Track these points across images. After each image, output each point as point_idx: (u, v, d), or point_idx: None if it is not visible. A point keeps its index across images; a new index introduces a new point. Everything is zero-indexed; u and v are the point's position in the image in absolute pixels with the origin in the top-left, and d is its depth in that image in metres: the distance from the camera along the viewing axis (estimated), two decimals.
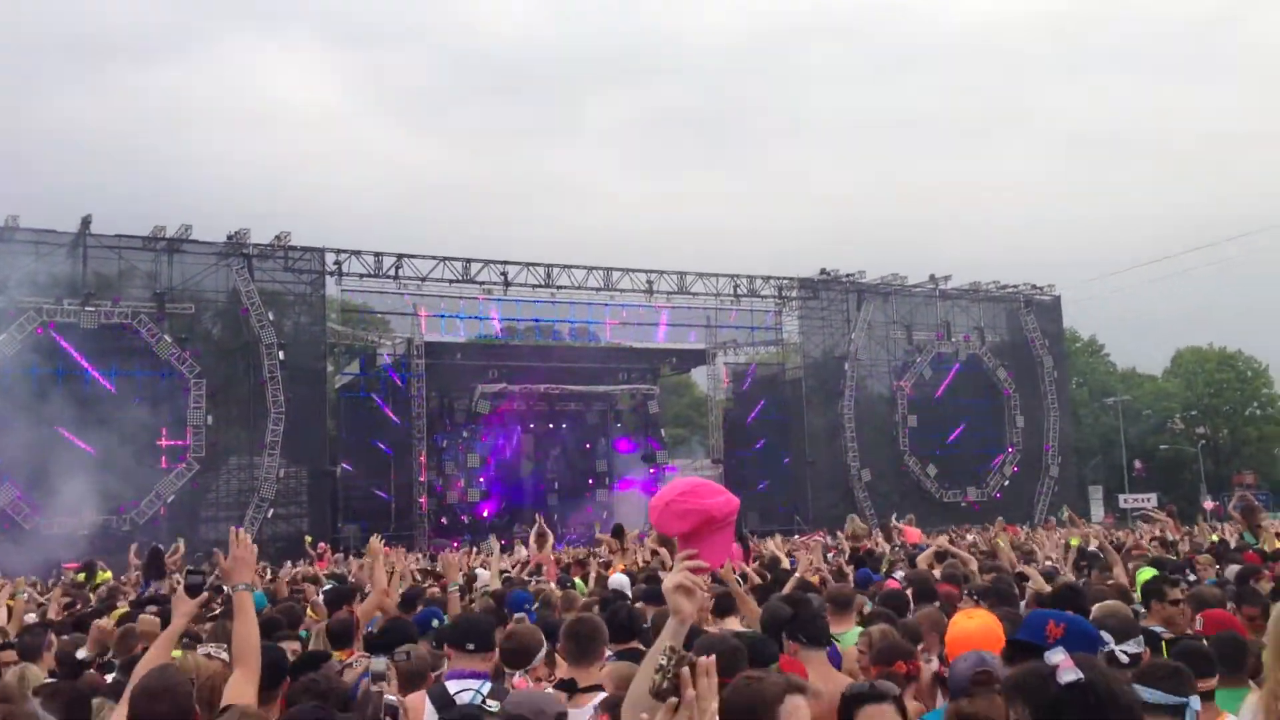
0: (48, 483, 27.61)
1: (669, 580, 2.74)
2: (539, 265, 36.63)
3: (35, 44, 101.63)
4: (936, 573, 10.19)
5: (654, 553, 13.13)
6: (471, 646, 5.03)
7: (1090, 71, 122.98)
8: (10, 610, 9.74)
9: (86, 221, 30.07)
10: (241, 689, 4.23)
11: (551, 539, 14.52)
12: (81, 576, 16.14)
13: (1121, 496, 50.02)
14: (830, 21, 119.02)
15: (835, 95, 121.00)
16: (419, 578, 13.34)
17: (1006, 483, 42.82)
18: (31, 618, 10.12)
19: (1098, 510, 46.73)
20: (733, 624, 6.93)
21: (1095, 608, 5.52)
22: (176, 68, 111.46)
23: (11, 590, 11.56)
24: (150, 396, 30.70)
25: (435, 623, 7.02)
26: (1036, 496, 43.01)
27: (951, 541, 17.16)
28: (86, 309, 29.35)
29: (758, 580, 9.15)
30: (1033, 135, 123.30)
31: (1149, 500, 46.00)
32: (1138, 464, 53.68)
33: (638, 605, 7.16)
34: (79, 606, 11.32)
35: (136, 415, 30.07)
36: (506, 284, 35.90)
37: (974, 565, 9.88)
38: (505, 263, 35.98)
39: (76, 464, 27.63)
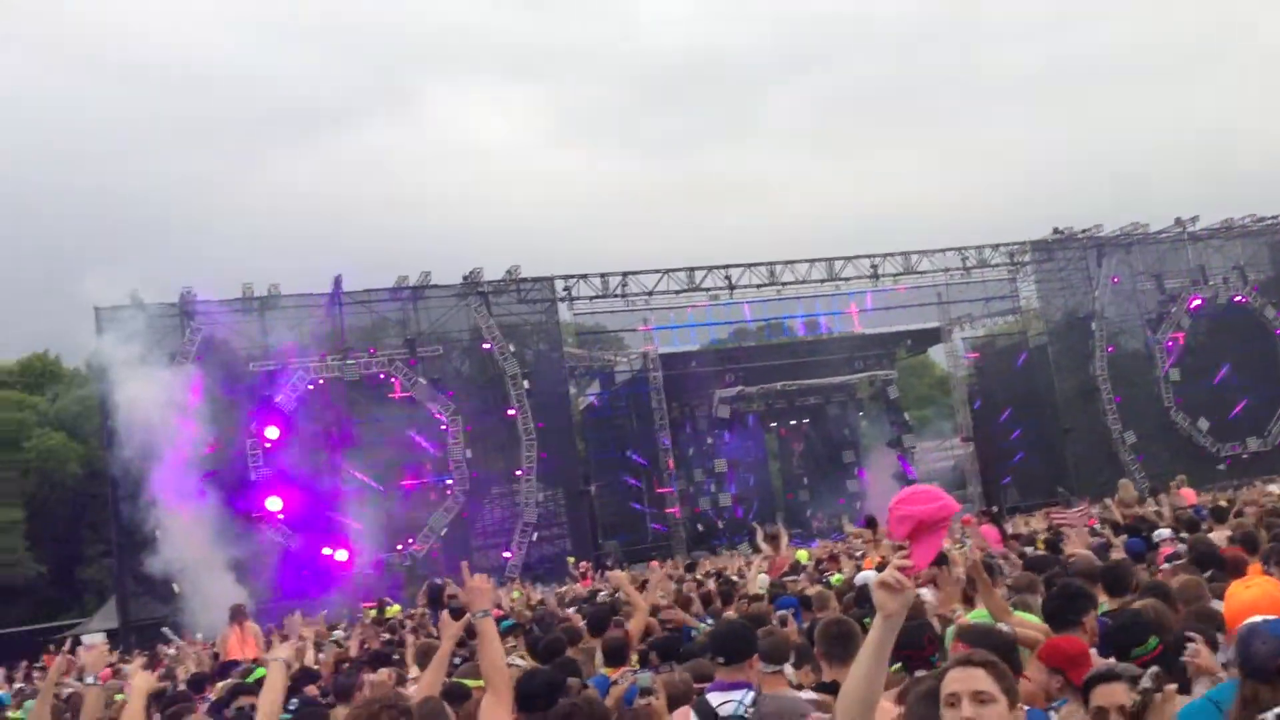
0: (331, 528, 29.86)
1: (876, 579, 2.80)
2: (761, 264, 36.67)
3: (239, 123, 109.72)
4: (1223, 535, 9.65)
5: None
6: (722, 660, 5.13)
7: None
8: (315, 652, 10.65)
9: (338, 281, 32.27)
10: (494, 712, 4.56)
11: (785, 537, 14.59)
12: (374, 613, 17.33)
13: None
14: None
15: (1021, 52, 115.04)
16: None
17: None
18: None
19: None
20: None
21: None
22: (382, 126, 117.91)
23: (313, 630, 12.63)
24: (413, 438, 32.68)
25: (693, 633, 7.27)
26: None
27: (1232, 501, 16.10)
28: (348, 362, 31.52)
29: (1018, 561, 8.91)
30: (1259, 62, 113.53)
31: None
32: None
33: None
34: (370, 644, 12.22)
35: (403, 457, 32.10)
36: (731, 288, 36.12)
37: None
38: (728, 266, 36.22)
39: (357, 507, 29.74)
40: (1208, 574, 7.11)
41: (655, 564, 20.01)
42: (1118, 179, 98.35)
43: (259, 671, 8.78)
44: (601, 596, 13.57)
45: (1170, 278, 39.89)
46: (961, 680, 2.86)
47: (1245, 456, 37.89)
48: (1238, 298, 40.30)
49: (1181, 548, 9.18)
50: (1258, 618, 3.76)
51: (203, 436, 28.43)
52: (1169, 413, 38.41)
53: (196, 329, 30.21)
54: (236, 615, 13.12)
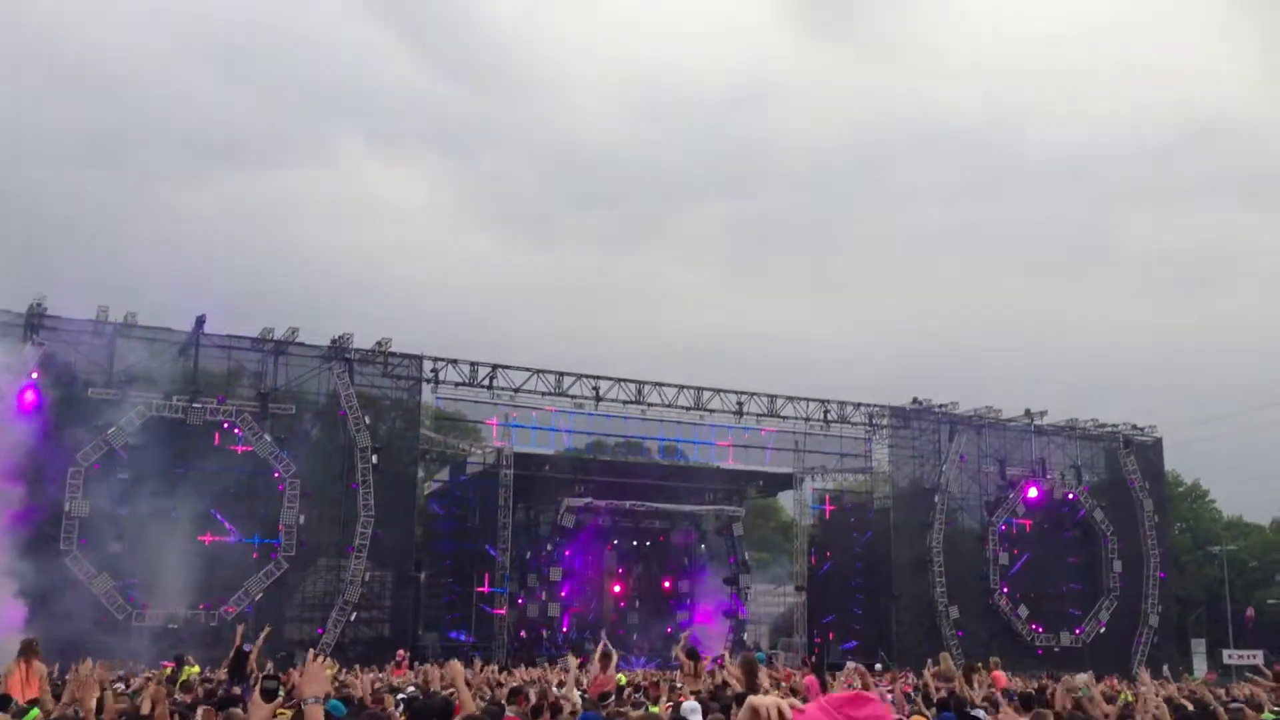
0: (144, 574, 28.39)
1: (753, 701, 2.72)
2: (630, 381, 37.05)
3: (143, 142, 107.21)
4: None
5: (724, 683, 12.95)
6: None
7: (1186, 201, 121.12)
8: (100, 703, 10.01)
9: (200, 321, 31.35)
10: None
11: (615, 659, 14.44)
12: (169, 671, 16.45)
13: (1226, 651, 47.67)
14: (918, 138, 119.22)
15: (927, 214, 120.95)
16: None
17: (1102, 629, 41.24)
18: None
19: (1200, 665, 44.59)
20: None
21: None
22: (281, 169, 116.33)
23: (101, 678, 11.88)
24: (246, 494, 31.55)
25: None
26: (1135, 646, 41.28)
27: (1044, 689, 16.60)
28: (194, 405, 30.43)
29: None
30: (1135, 264, 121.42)
31: (1255, 657, 43.82)
32: (1249, 611, 51.18)
33: None
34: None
35: (233, 511, 30.89)
36: (598, 399, 36.31)
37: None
38: (597, 377, 36.47)
39: (171, 556, 28.37)
40: None
41: (481, 666, 19.50)
42: (983, 357, 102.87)
43: (33, 713, 8.21)
44: (411, 690, 13.13)
45: (1013, 465, 41.71)
46: None
47: (1056, 649, 39.25)
48: (1071, 495, 42.26)
49: None
50: None
51: (21, 453, 26.88)
52: (992, 595, 39.71)
53: (39, 343, 28.84)
54: (26, 650, 12.23)
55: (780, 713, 2.67)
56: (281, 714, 5.90)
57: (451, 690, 8.57)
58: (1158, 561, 42.86)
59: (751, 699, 2.77)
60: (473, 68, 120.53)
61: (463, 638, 35.30)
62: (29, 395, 27.77)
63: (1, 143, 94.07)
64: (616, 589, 41.43)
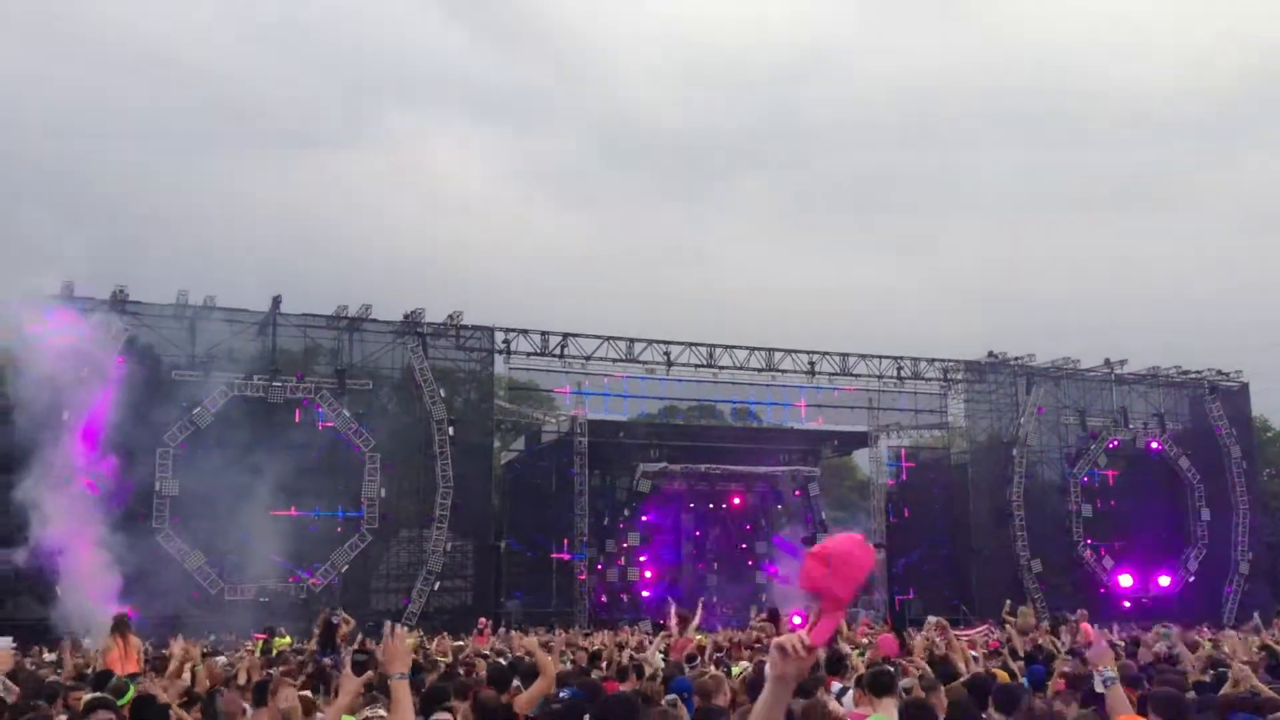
0: (233, 549, 29.16)
1: (774, 641, 2.87)
2: (701, 345, 36.97)
3: (214, 128, 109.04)
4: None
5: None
6: None
7: (1271, 142, 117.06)
8: (194, 674, 10.33)
9: (277, 301, 31.91)
10: None
11: (694, 621, 14.51)
12: (261, 644, 16.91)
13: None
14: (983, 89, 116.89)
15: (995, 168, 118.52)
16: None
17: (1191, 579, 40.48)
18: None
19: None
20: (889, 705, 6.82)
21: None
22: (347, 151, 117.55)
23: (196, 652, 12.27)
24: (329, 469, 32.17)
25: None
26: (1224, 595, 40.46)
27: (1136, 641, 16.38)
28: (274, 384, 31.06)
29: (915, 674, 8.93)
30: (1214, 210, 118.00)
31: None
32: None
33: None
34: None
35: (315, 487, 31.54)
36: (669, 364, 36.31)
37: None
38: (668, 342, 36.46)
39: (259, 532, 29.09)
40: (1091, 708, 7.20)
41: (561, 632, 19.79)
42: (1061, 308, 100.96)
43: (130, 692, 8.48)
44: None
45: (1093, 416, 40.95)
46: None
47: (1145, 600, 38.61)
48: (1154, 444, 41.39)
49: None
50: None
51: (112, 435, 27.73)
52: (1076, 546, 39.13)
53: (124, 329, 29.61)
54: (119, 626, 12.67)
55: (802, 641, 2.75)
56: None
57: (532, 656, 8.70)
58: (1247, 508, 41.86)
59: (773, 641, 2.85)
60: (523, 39, 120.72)
61: (544, 604, 35.74)
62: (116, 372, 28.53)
63: (73, 130, 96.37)
64: (694, 552, 41.57)
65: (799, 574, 2.97)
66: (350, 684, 5.19)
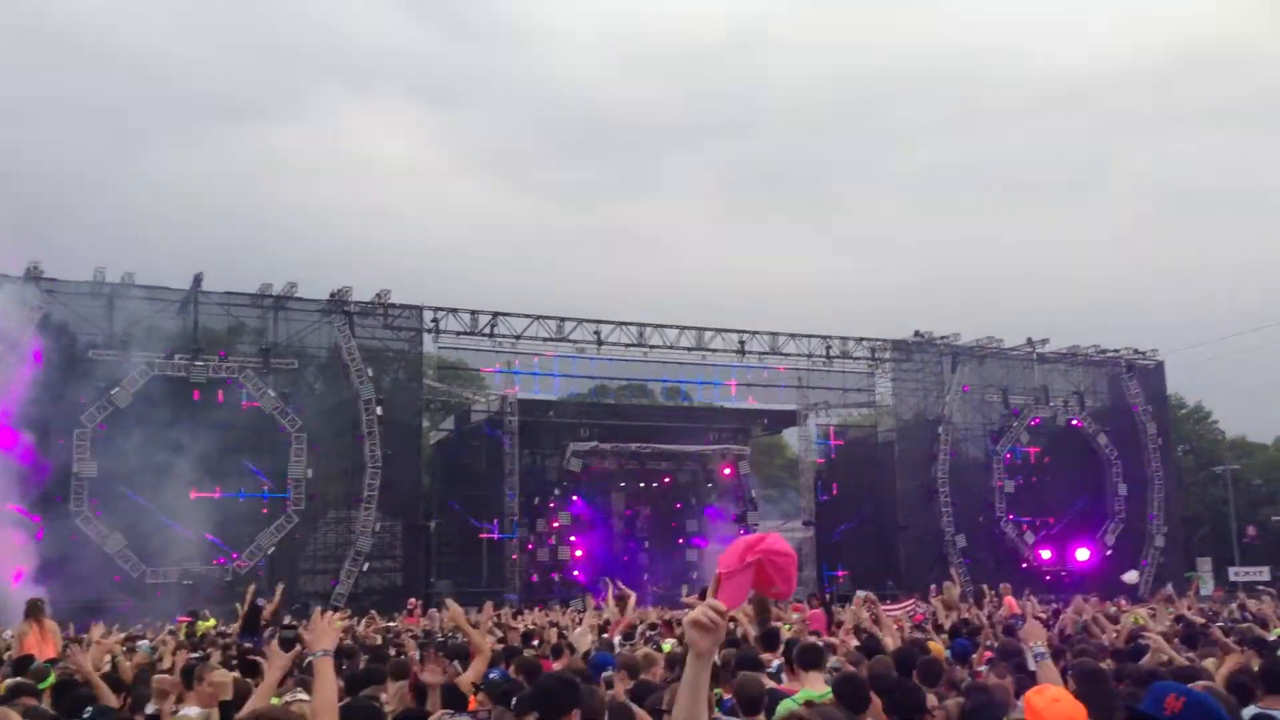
0: (155, 532, 28.56)
1: (687, 617, 2.89)
2: (631, 324, 36.97)
3: (136, 104, 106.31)
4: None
5: (732, 618, 13.04)
6: (539, 714, 5.05)
7: (1190, 126, 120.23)
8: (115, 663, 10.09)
9: (198, 279, 31.25)
10: None
11: (633, 599, 14.53)
12: (184, 628, 16.62)
13: (1232, 569, 48.11)
14: (912, 74, 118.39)
15: (922, 151, 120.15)
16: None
17: (1109, 552, 41.57)
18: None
19: (1207, 584, 44.97)
20: (816, 678, 6.89)
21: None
22: (271, 125, 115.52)
23: (115, 639, 12.00)
24: (253, 449, 31.64)
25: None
26: (1141, 568, 41.60)
27: (1056, 614, 16.75)
28: (196, 363, 30.44)
29: (842, 654, 9.03)
30: (1133, 192, 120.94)
31: (1261, 573, 44.22)
32: (1250, 529, 51.55)
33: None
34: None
35: (240, 468, 31.01)
36: (600, 343, 36.26)
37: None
38: (598, 321, 36.40)
39: (182, 514, 28.55)
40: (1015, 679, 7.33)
41: (488, 605, 19.67)
42: (985, 289, 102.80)
43: (50, 678, 8.26)
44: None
45: (1015, 394, 41.77)
46: None
47: (1063, 574, 39.56)
48: (1074, 421, 42.37)
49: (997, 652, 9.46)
50: None
51: (26, 414, 27.00)
52: (999, 522, 39.96)
53: (39, 306, 28.76)
54: (34, 611, 12.33)
55: (715, 609, 2.77)
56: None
57: (461, 631, 8.63)
58: (1162, 483, 43.09)
59: (686, 617, 2.87)
60: (456, 17, 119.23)
61: (475, 584, 35.60)
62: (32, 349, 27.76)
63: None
64: (625, 531, 41.70)
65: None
66: (278, 660, 5.13)
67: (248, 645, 12.36)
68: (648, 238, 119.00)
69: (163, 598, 27.15)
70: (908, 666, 7.79)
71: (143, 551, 28.61)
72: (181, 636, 15.97)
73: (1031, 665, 6.12)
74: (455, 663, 8.31)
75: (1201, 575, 44.76)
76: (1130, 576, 32.30)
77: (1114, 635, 11.57)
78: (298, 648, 5.13)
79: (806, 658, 7.13)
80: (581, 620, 14.07)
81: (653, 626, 14.88)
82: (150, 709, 6.87)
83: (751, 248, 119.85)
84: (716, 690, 6.66)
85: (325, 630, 4.95)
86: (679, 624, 14.67)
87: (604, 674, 7.50)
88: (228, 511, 30.04)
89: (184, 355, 30.40)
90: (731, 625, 12.74)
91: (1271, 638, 10.09)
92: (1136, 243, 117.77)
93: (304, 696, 6.33)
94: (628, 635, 12.44)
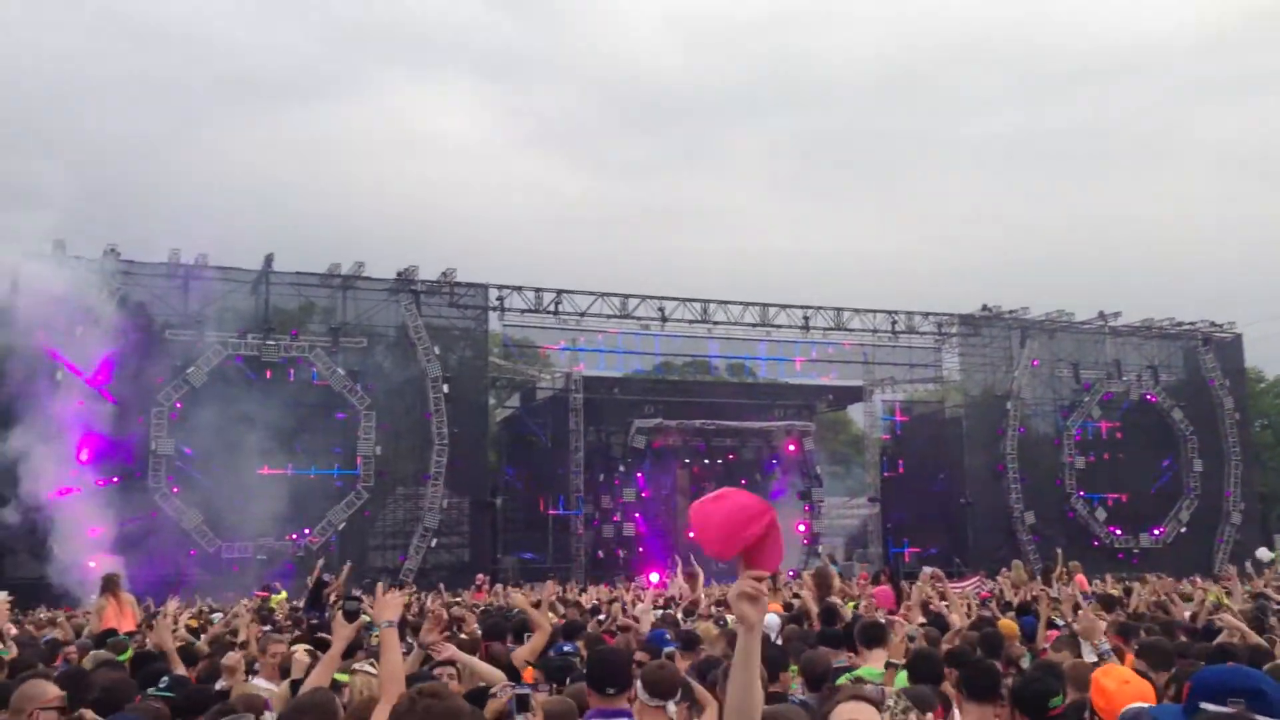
0: (230, 508, 29.22)
1: (732, 591, 2.90)
2: (695, 300, 36.91)
3: (205, 87, 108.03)
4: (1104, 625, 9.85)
5: (795, 595, 13.02)
6: (611, 690, 5.08)
7: (1263, 91, 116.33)
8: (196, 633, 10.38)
9: (269, 259, 31.80)
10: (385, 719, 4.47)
11: (702, 577, 14.56)
12: (259, 602, 16.99)
13: None
14: (973, 44, 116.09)
15: (987, 122, 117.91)
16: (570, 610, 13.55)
17: (1183, 529, 40.76)
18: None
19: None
20: (879, 656, 6.87)
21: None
22: (336, 107, 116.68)
23: (194, 612, 12.31)
24: (324, 427, 32.20)
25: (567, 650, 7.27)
26: (1216, 545, 40.77)
27: (1128, 591, 16.49)
28: (268, 343, 31.00)
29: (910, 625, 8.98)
30: (1205, 158, 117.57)
31: None
32: None
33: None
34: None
35: (311, 445, 31.59)
36: (664, 319, 36.25)
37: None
38: (662, 298, 36.39)
39: (255, 491, 29.16)
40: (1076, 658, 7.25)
41: (550, 583, 19.84)
42: (1054, 262, 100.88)
43: (128, 651, 8.52)
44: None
45: (1087, 368, 41.03)
46: (857, 712, 3.24)
47: (1136, 551, 38.90)
48: (1148, 396, 41.52)
49: (1066, 631, 9.35)
50: (1139, 704, 3.88)
51: (106, 392, 27.77)
52: (1069, 499, 39.36)
53: (117, 289, 29.48)
54: (110, 585, 12.64)
55: (754, 579, 2.77)
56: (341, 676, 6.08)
57: (524, 612, 8.74)
58: (1239, 459, 42.10)
59: (731, 594, 2.87)
60: None
61: (540, 560, 35.96)
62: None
63: (60, 94, 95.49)
64: (689, 507, 41.75)
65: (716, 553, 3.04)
66: (342, 630, 5.27)
67: (314, 620, 12.60)
68: (711, 213, 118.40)
69: (238, 573, 27.79)
70: (989, 644, 7.76)
71: (218, 527, 29.30)
72: (256, 610, 16.33)
73: (1093, 658, 6.04)
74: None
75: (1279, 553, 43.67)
76: (1263, 554, 31.52)
77: (1182, 614, 11.37)
78: (362, 619, 5.26)
79: (868, 635, 7.11)
80: (644, 597, 14.13)
81: (719, 603, 14.90)
82: (220, 684, 7.07)
83: (816, 223, 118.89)
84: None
85: (389, 603, 5.10)
86: None
87: (665, 650, 7.54)
88: (299, 488, 30.61)
89: (256, 335, 30.98)
90: (794, 601, 12.72)
91: None
92: (1210, 211, 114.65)
93: (370, 669, 6.46)
94: (689, 612, 12.48)
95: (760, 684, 3.01)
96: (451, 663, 6.36)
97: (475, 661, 6.55)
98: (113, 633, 10.35)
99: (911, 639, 7.85)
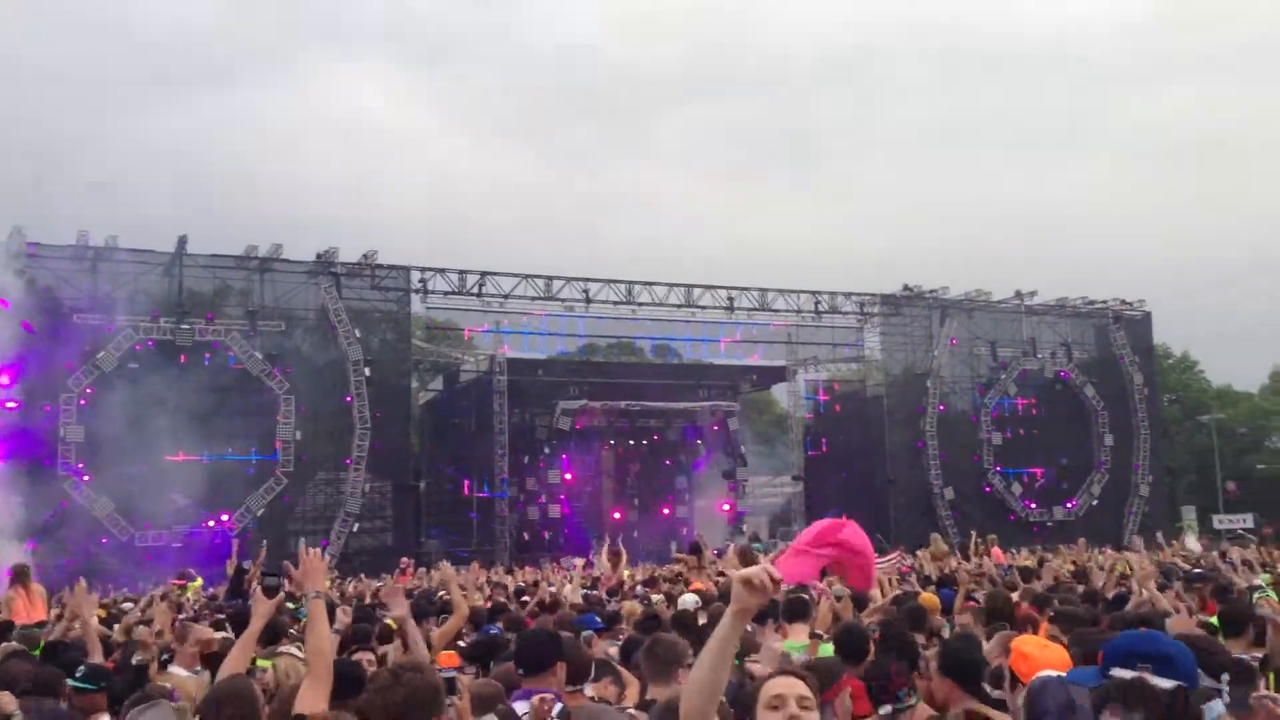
0: (143, 495, 28.53)
1: (739, 574, 2.90)
2: (620, 282, 36.86)
3: (120, 69, 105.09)
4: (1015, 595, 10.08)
5: (720, 573, 13.11)
6: (524, 670, 5.07)
7: (1178, 80, 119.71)
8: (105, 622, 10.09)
9: (183, 241, 31.05)
10: (311, 699, 4.29)
11: (625, 557, 14.59)
12: (175, 590, 16.63)
13: (1216, 517, 48.53)
14: (896, 29, 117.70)
15: (910, 107, 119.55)
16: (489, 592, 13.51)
17: (1095, 503, 41.86)
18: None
19: (1194, 531, 45.36)
20: (800, 631, 6.93)
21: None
22: (256, 88, 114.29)
23: (109, 601, 11.98)
24: (241, 412, 31.58)
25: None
26: (1126, 517, 41.96)
27: (1041, 562, 16.90)
28: (182, 326, 30.29)
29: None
30: (1118, 144, 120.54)
31: (1244, 521, 44.64)
32: (1230, 485, 51.90)
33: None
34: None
35: (227, 430, 30.97)
36: (588, 300, 36.16)
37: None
38: (586, 279, 36.27)
39: (170, 478, 28.51)
40: (999, 627, 7.39)
41: (475, 565, 19.75)
42: (970, 241, 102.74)
43: (40, 645, 8.26)
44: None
45: (1003, 346, 41.86)
46: (788, 686, 3.20)
47: (1050, 524, 39.86)
48: (1062, 373, 42.52)
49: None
50: (1048, 672, 3.95)
51: (11, 376, 26.93)
52: (986, 475, 40.19)
53: (22, 271, 28.53)
54: (19, 577, 12.29)
55: (769, 575, 2.75)
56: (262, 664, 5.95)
57: (448, 591, 8.65)
58: (1147, 433, 43.33)
59: (738, 574, 2.85)
60: None
61: (465, 543, 35.74)
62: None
63: None
64: (615, 488, 41.82)
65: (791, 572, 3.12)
66: (262, 607, 5.06)
67: (234, 607, 12.34)
68: (636, 197, 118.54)
69: (152, 561, 27.14)
70: (910, 616, 7.86)
71: (131, 515, 28.59)
72: (172, 598, 15.98)
73: None
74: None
75: (1189, 523, 45.14)
76: (1191, 543, 32.27)
77: (1100, 581, 11.68)
78: (280, 595, 5.10)
79: (792, 610, 7.16)
80: (571, 579, 14.12)
81: (646, 583, 14.94)
82: (136, 658, 6.88)
83: (739, 203, 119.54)
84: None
85: (315, 568, 4.79)
86: (665, 580, 14.74)
87: (583, 634, 7.53)
88: (216, 474, 30.00)
89: (170, 318, 30.24)
90: (719, 579, 12.81)
91: (1244, 584, 10.19)
92: (1123, 194, 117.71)
93: (295, 651, 6.33)
94: (612, 592, 12.50)
95: (727, 671, 3.04)
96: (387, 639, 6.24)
97: (416, 632, 6.43)
98: (12, 625, 10.02)
99: (839, 598, 7.96)
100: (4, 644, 8.49)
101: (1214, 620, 7.26)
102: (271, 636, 6.70)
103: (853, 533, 2.64)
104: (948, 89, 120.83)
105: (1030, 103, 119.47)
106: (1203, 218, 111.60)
